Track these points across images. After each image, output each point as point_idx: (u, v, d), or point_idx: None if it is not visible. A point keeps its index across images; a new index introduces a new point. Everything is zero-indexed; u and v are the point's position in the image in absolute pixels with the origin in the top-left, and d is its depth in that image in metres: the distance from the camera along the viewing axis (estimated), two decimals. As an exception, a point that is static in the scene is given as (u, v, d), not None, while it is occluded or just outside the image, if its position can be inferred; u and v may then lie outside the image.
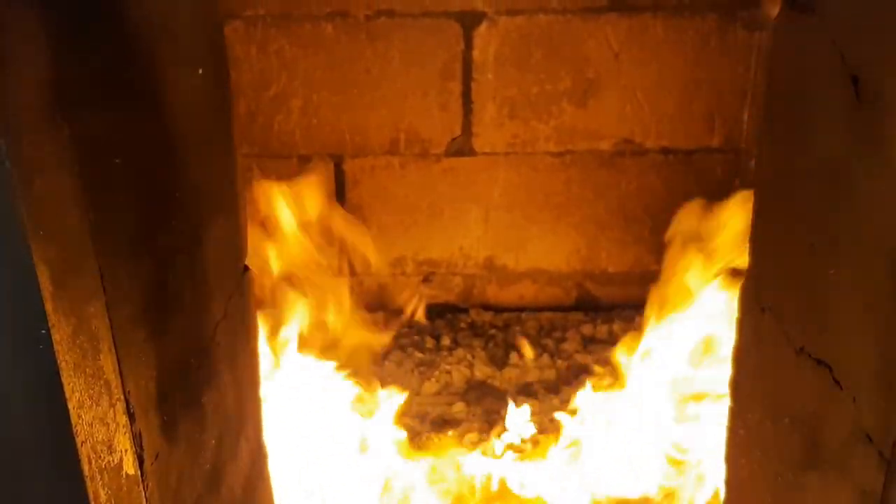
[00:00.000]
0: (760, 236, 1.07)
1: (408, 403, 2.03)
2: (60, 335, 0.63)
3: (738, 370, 1.14)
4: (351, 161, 2.33)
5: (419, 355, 2.26)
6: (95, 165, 0.69)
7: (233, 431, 1.05)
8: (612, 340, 2.29)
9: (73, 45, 0.67)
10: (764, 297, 1.04)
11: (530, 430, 1.95)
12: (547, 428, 1.96)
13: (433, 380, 2.17)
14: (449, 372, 2.19)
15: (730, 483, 1.21)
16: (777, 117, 1.00)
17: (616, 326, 2.35)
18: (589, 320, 2.39)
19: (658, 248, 2.39)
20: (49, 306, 0.61)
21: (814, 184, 0.91)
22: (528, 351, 2.26)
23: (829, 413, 0.90)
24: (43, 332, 0.62)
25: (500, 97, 2.27)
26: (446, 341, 2.31)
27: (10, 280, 0.61)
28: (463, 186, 2.36)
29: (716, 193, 2.34)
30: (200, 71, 0.93)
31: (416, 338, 2.33)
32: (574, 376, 2.17)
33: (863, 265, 0.83)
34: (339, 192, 2.35)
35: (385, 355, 2.26)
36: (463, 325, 2.40)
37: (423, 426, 2.00)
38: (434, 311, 2.46)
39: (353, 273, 2.43)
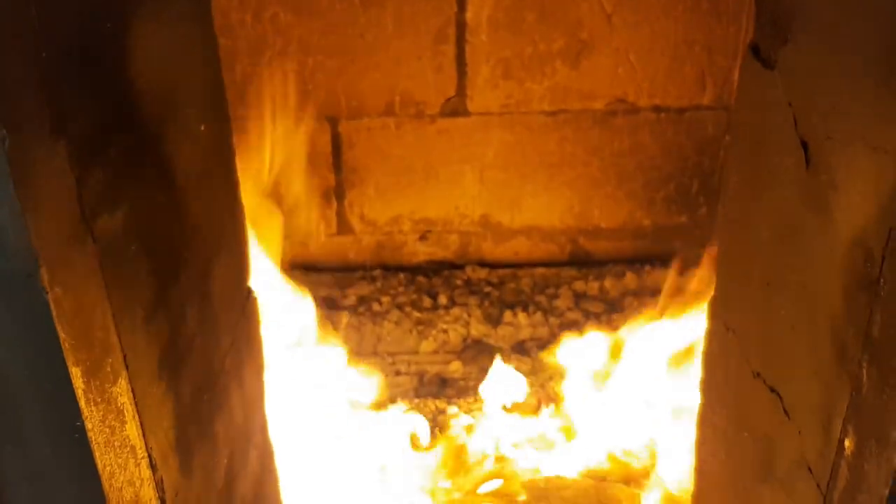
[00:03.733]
0: (725, 263, 1.14)
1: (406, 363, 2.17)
2: (92, 423, 0.72)
3: (706, 375, 1.23)
4: (346, 123, 2.38)
5: (417, 314, 2.36)
6: (115, 261, 0.77)
7: (242, 443, 1.15)
8: (602, 297, 2.40)
9: (96, 156, 0.73)
10: (729, 318, 1.13)
11: (522, 390, 2.06)
12: (537, 389, 2.08)
13: (431, 339, 2.28)
14: (446, 331, 2.30)
15: (699, 473, 1.32)
16: (740, 159, 1.06)
17: (607, 283, 2.44)
18: (581, 276, 2.48)
19: (649, 204, 2.47)
20: (82, 402, 0.70)
21: (769, 230, 0.98)
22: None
23: (779, 437, 0.99)
24: (78, 423, 0.71)
25: (493, 59, 2.30)
26: (443, 300, 2.41)
27: (47, 384, 0.69)
28: (458, 146, 2.42)
29: (706, 150, 2.43)
30: (203, 127, 0.99)
31: (413, 296, 2.43)
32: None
33: (809, 313, 0.91)
34: (336, 154, 2.41)
35: (384, 314, 2.36)
36: (459, 282, 2.49)
37: (422, 388, 2.12)
38: (431, 268, 2.55)
39: (350, 231, 2.51)
